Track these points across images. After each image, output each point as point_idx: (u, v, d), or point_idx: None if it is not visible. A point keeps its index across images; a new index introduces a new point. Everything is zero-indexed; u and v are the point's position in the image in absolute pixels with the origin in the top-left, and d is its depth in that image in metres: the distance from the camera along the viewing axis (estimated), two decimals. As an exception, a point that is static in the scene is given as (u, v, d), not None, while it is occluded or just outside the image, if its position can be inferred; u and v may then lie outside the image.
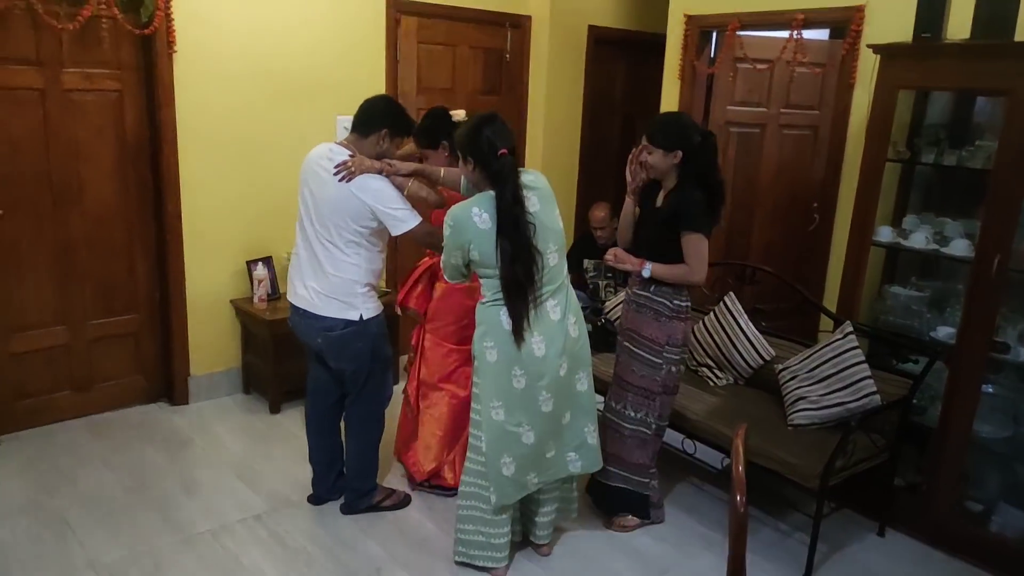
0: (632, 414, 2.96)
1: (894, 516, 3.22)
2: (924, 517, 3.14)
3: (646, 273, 2.81)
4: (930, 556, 3.07)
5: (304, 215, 2.85)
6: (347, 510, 3.12)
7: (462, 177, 2.73)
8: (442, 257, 2.65)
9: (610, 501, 3.12)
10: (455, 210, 2.53)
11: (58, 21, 3.29)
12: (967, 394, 2.98)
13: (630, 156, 2.90)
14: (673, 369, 2.93)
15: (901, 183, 3.51)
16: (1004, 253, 2.82)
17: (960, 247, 3.07)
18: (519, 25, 5.01)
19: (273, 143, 4.00)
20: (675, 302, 2.86)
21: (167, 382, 4.06)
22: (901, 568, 2.99)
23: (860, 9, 3.53)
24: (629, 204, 2.99)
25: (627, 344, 2.97)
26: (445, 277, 2.72)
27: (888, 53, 3.07)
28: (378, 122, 2.80)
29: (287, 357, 3.88)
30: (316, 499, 3.20)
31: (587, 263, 4.46)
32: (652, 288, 2.87)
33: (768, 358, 3.47)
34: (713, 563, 2.94)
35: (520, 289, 2.48)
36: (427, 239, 2.87)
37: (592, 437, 2.80)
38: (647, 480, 3.04)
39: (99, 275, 3.78)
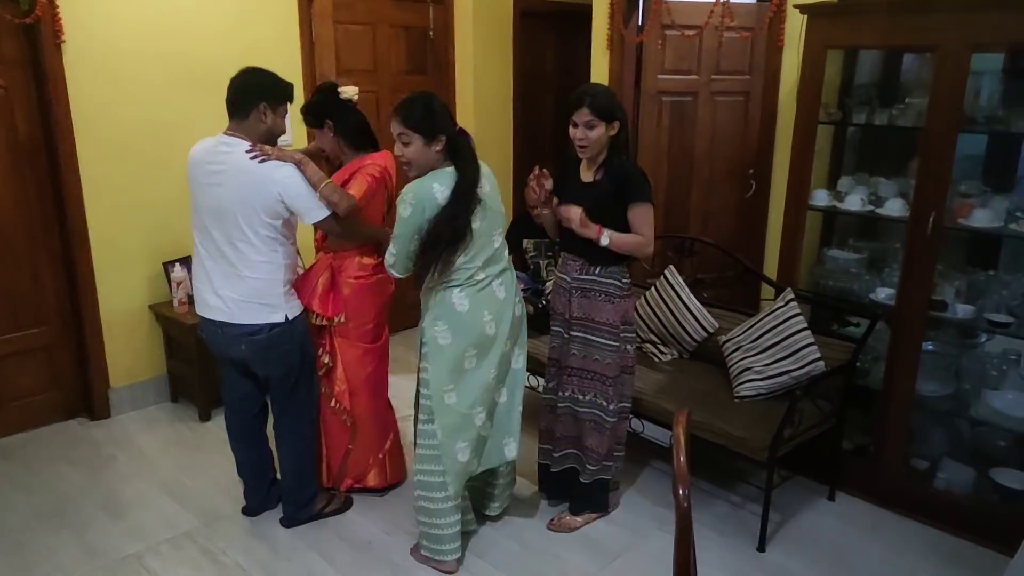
0: (582, 397, 2.84)
1: (844, 480, 3.20)
2: (873, 479, 3.13)
3: (604, 241, 2.62)
4: (881, 517, 3.06)
5: (203, 219, 2.60)
6: (288, 523, 2.93)
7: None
8: (392, 249, 2.51)
9: (578, 494, 2.98)
10: (415, 187, 2.43)
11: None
12: (909, 354, 2.97)
13: (530, 179, 2.71)
14: (630, 348, 2.85)
15: (835, 145, 3.46)
16: (939, 211, 2.79)
17: (895, 207, 3.03)
18: (441, 1, 4.81)
19: (182, 135, 3.65)
20: (623, 280, 2.77)
21: (85, 396, 3.81)
22: (853, 531, 2.97)
23: (785, -31, 3.45)
24: (548, 218, 2.80)
25: (580, 334, 2.80)
26: (395, 272, 2.56)
27: (814, 12, 3.00)
28: (253, 97, 2.56)
29: (215, 361, 3.65)
30: (250, 511, 3.02)
31: (527, 243, 4.34)
32: (597, 271, 2.74)
33: (712, 330, 3.41)
34: (665, 545, 2.87)
35: (435, 253, 2.45)
36: (345, 229, 2.69)
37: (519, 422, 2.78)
38: (610, 464, 2.92)
39: (1, 287, 3.49)
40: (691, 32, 3.97)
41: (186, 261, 3.84)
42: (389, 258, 2.54)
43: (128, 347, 3.82)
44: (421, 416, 2.62)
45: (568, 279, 2.82)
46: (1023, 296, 2.90)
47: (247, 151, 2.53)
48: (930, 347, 3.16)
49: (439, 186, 2.43)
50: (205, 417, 3.80)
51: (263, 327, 2.64)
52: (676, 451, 1.40)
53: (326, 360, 2.93)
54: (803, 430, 2.89)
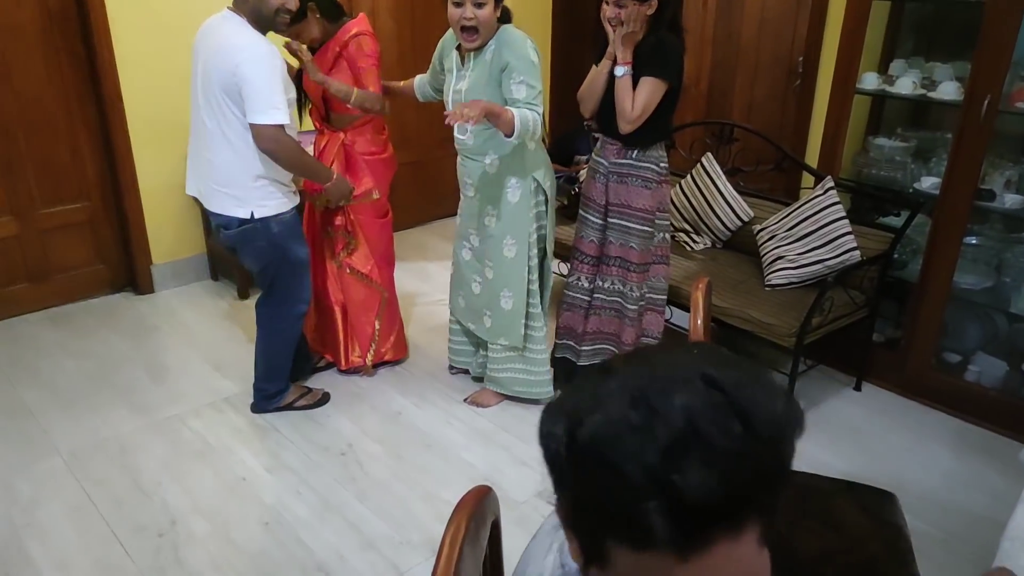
0: (620, 287, 2.78)
1: (872, 371, 3.19)
2: (901, 370, 3.12)
3: (620, 72, 2.49)
4: (907, 407, 3.07)
5: (192, 92, 2.51)
6: (255, 409, 2.95)
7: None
8: (538, 108, 2.48)
9: None
10: (530, 40, 2.54)
11: None
12: (949, 245, 2.89)
13: (605, 14, 2.50)
14: (667, 236, 2.79)
15: (889, 25, 3.27)
16: (995, 94, 2.64)
17: (949, 90, 2.88)
18: None
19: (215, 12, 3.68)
20: (661, 165, 2.66)
21: (130, 271, 3.93)
22: (877, 419, 2.99)
23: None
24: (605, 66, 2.58)
25: (617, 220, 2.71)
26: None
27: None
28: None
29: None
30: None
31: (580, 158, 4.18)
32: (635, 154, 2.64)
33: (747, 219, 3.35)
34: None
35: None
36: (283, 153, 2.43)
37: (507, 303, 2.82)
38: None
39: (42, 160, 3.56)
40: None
41: (221, 140, 3.86)
42: (538, 117, 2.48)
43: (169, 225, 3.90)
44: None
45: (606, 163, 2.72)
46: (1078, 187, 2.78)
47: (286, 45, 2.47)
48: (973, 240, 3.07)
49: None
50: (244, 295, 3.91)
51: (232, 220, 2.55)
52: (693, 313, 1.40)
53: (350, 247, 2.99)
54: (832, 319, 2.86)
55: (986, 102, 2.65)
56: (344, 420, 2.92)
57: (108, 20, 3.45)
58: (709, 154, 3.45)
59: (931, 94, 2.95)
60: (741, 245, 3.37)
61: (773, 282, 3.04)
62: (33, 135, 3.50)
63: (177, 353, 3.39)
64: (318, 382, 3.13)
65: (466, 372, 3.21)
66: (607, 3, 2.48)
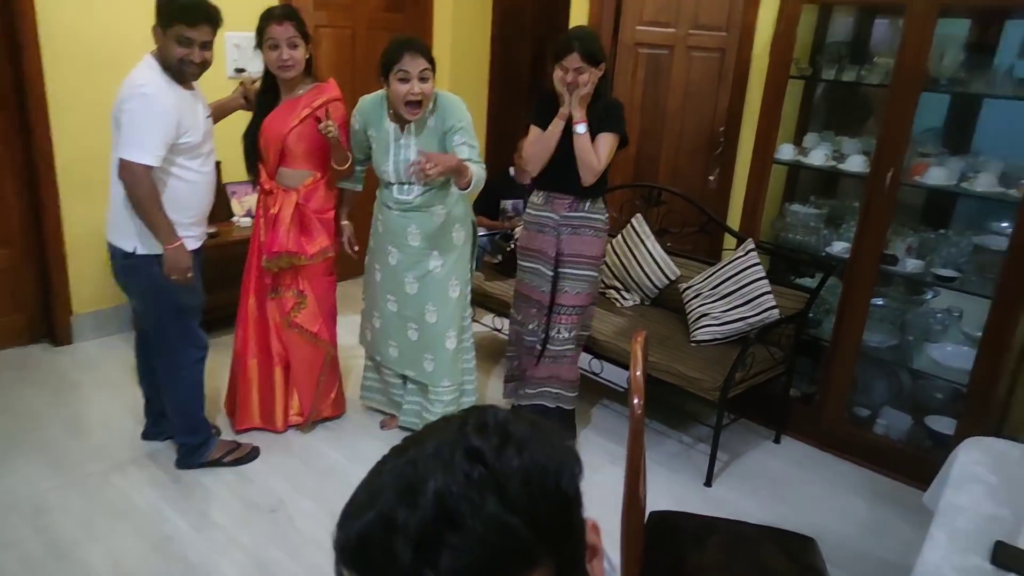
0: (568, 335, 2.94)
1: (790, 424, 3.36)
2: (816, 423, 3.29)
3: (582, 129, 2.69)
4: (823, 458, 3.23)
5: None
6: (180, 465, 2.86)
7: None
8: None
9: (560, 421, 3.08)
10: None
11: None
12: (858, 306, 3.10)
13: (562, 79, 2.66)
14: (600, 278, 3.05)
15: (803, 102, 3.54)
16: (897, 168, 2.90)
17: (856, 163, 3.13)
18: (422, -60, 4.74)
19: None
20: (605, 215, 2.92)
21: (48, 321, 3.79)
22: (794, 470, 3.14)
23: (765, -77, 3.47)
24: (559, 126, 2.73)
25: (572, 270, 2.89)
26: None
27: (792, -34, 3.04)
28: (156, 15, 2.40)
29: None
30: (144, 434, 3.03)
31: (505, 204, 4.31)
32: (587, 206, 2.85)
33: (673, 277, 3.50)
34: (616, 475, 2.98)
35: None
36: (138, 193, 2.40)
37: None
38: (575, 393, 3.04)
39: (-39, 205, 3.44)
40: (670, -17, 3.99)
41: (154, 188, 3.81)
42: (483, 172, 2.69)
43: (93, 273, 3.79)
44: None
45: (556, 217, 2.88)
46: (970, 253, 3.04)
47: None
48: (879, 302, 3.30)
49: None
50: (170, 345, 3.80)
51: (116, 251, 2.57)
52: (633, 365, 1.48)
53: (299, 306, 2.97)
54: (754, 374, 3.02)
55: (889, 175, 2.90)
56: (275, 476, 2.87)
57: (42, 62, 3.39)
58: (639, 215, 3.62)
59: (841, 166, 3.20)
60: (668, 302, 3.52)
61: (698, 338, 3.19)
62: (-47, 178, 3.39)
63: (98, 407, 3.27)
64: (251, 438, 3.07)
65: (379, 412, 3.27)
66: (563, 70, 2.65)
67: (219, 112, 2.91)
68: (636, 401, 1.43)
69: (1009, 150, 2.98)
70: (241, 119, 2.96)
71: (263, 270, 2.94)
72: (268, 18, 2.70)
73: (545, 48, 5.65)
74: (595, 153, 2.71)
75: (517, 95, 5.58)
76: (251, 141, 2.89)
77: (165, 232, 2.49)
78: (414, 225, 2.83)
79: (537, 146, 2.82)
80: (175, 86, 2.46)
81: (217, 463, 2.87)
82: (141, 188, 2.41)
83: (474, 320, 3.25)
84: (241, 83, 2.96)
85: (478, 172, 2.64)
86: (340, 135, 2.79)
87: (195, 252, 2.63)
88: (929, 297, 3.37)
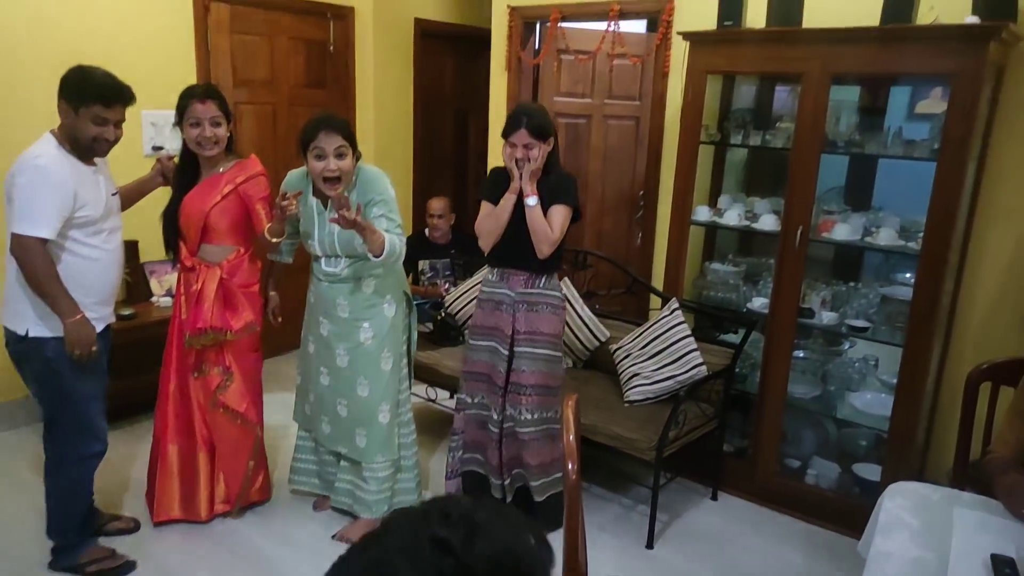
0: (531, 416, 2.82)
1: (725, 480, 3.39)
2: (751, 478, 3.34)
3: (533, 202, 2.68)
4: (759, 513, 3.26)
5: None
6: (53, 566, 2.63)
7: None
8: (401, 237, 2.69)
9: (541, 513, 2.91)
10: (387, 177, 2.77)
11: None
12: (781, 359, 3.19)
13: (511, 155, 2.69)
14: (568, 362, 2.94)
15: (715, 166, 3.71)
16: (805, 224, 3.04)
17: (768, 222, 3.28)
18: (342, 16, 4.84)
19: None
20: (560, 291, 2.87)
21: (-53, 415, 3.54)
22: (734, 527, 3.15)
23: (669, 0, 3.69)
24: (510, 200, 2.73)
25: (528, 348, 2.81)
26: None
27: (696, 40, 3.23)
28: (59, 91, 2.36)
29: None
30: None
31: (422, 264, 4.34)
32: (543, 282, 2.82)
33: (603, 339, 3.55)
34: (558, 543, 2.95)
35: None
36: (30, 268, 2.31)
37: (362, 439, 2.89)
38: (545, 479, 2.90)
39: None
40: (584, 57, 4.18)
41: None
42: (403, 244, 2.69)
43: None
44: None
45: (512, 293, 2.83)
46: (879, 304, 3.19)
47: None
48: (800, 354, 3.42)
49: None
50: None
51: (10, 334, 2.46)
52: (566, 430, 1.48)
53: (225, 385, 2.86)
54: (687, 431, 3.05)
55: (799, 232, 3.04)
56: (203, 570, 2.70)
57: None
58: (566, 279, 3.67)
59: (754, 225, 3.34)
60: (600, 364, 3.56)
61: (631, 398, 3.22)
62: None
63: (6, 506, 3.04)
64: (172, 531, 2.89)
65: (309, 494, 3.15)
66: (513, 146, 2.69)
67: (138, 191, 2.85)
68: (570, 466, 1.42)
69: (905, 205, 3.18)
70: (158, 197, 2.91)
71: (185, 349, 2.83)
72: (190, 96, 2.69)
73: (468, 119, 5.79)
74: (548, 224, 2.70)
75: (441, 165, 5.67)
76: (170, 219, 2.84)
77: (65, 305, 2.37)
78: (342, 297, 2.79)
79: (488, 221, 2.81)
80: (73, 160, 2.40)
81: (78, 570, 2.62)
82: (35, 261, 2.30)
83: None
84: (158, 160, 2.90)
85: (395, 242, 2.63)
86: (266, 211, 2.78)
87: (101, 335, 2.50)
88: (846, 347, 3.51)
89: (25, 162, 2.33)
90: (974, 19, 2.69)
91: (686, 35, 3.26)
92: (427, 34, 5.31)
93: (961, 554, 1.55)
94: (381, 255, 2.59)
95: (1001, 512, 1.73)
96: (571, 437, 1.47)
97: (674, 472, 3.27)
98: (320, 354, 2.89)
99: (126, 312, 3.69)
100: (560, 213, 2.72)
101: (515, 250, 2.79)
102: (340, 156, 2.60)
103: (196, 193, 2.78)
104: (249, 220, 2.80)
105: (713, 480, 3.38)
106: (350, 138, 2.64)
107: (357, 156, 2.73)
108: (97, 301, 2.51)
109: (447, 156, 5.74)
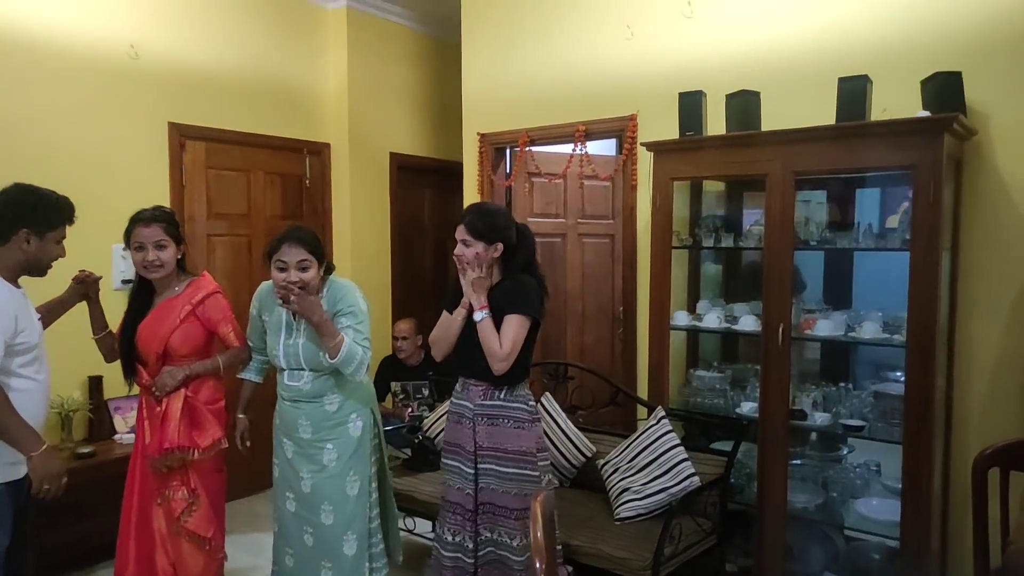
0: (513, 542, 2.54)
1: (731, 604, 3.11)
2: (759, 601, 3.07)
3: (478, 316, 2.50)
4: (771, 641, 2.96)
5: None
6: None
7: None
8: (367, 348, 2.63)
9: None
10: (358, 289, 2.74)
11: None
12: (777, 465, 3.03)
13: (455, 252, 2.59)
14: (552, 477, 2.69)
15: (691, 275, 3.69)
16: (786, 321, 2.97)
17: (749, 323, 3.22)
18: (318, 152, 4.98)
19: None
20: (530, 403, 2.61)
21: None
22: (745, 659, 2.85)
23: (632, 118, 3.82)
24: (460, 313, 2.61)
25: (492, 466, 2.56)
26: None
27: (659, 149, 3.31)
28: (13, 221, 2.28)
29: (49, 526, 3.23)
30: None
31: (395, 386, 4.24)
32: (503, 394, 2.58)
33: (590, 454, 3.37)
34: None
35: None
36: None
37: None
38: None
39: None
40: (555, 179, 4.27)
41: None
42: (365, 355, 2.61)
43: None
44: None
45: (471, 406, 2.61)
46: (872, 403, 3.07)
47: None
48: (798, 461, 3.25)
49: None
50: None
51: None
52: (533, 527, 1.33)
53: (191, 508, 2.68)
54: (684, 547, 2.83)
55: (780, 329, 2.97)
56: None
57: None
58: (547, 393, 3.54)
59: (734, 327, 3.27)
60: (588, 482, 3.35)
61: (622, 515, 3.00)
62: None
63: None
64: None
65: None
66: (454, 242, 2.59)
67: (57, 309, 2.69)
68: (539, 566, 1.25)
69: (885, 302, 3.11)
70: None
71: (150, 473, 2.67)
72: (135, 221, 2.68)
73: (446, 248, 5.83)
74: (499, 339, 2.50)
75: (421, 293, 5.65)
76: (127, 345, 2.74)
77: (28, 438, 2.21)
78: (304, 416, 2.66)
79: (437, 331, 2.70)
80: (8, 285, 2.30)
81: None
82: None
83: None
84: (84, 276, 2.71)
85: (354, 349, 2.56)
86: (235, 331, 2.75)
87: (22, 482, 2.27)
88: (845, 452, 3.35)
89: None
90: (925, 113, 2.77)
91: (649, 145, 3.34)
92: (403, 167, 5.45)
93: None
94: (336, 357, 2.51)
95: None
96: (539, 534, 1.31)
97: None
98: (285, 478, 2.72)
99: (85, 450, 3.50)
100: (512, 324, 2.50)
101: (469, 360, 2.59)
102: (303, 269, 2.56)
103: (154, 318, 2.71)
104: (210, 339, 2.73)
105: (718, 605, 3.11)
106: (316, 251, 2.60)
107: (328, 269, 2.70)
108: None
109: (426, 285, 5.73)
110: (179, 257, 2.73)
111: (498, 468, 2.56)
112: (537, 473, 2.57)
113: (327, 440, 2.64)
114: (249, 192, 4.59)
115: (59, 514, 3.10)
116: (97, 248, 3.68)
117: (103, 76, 3.86)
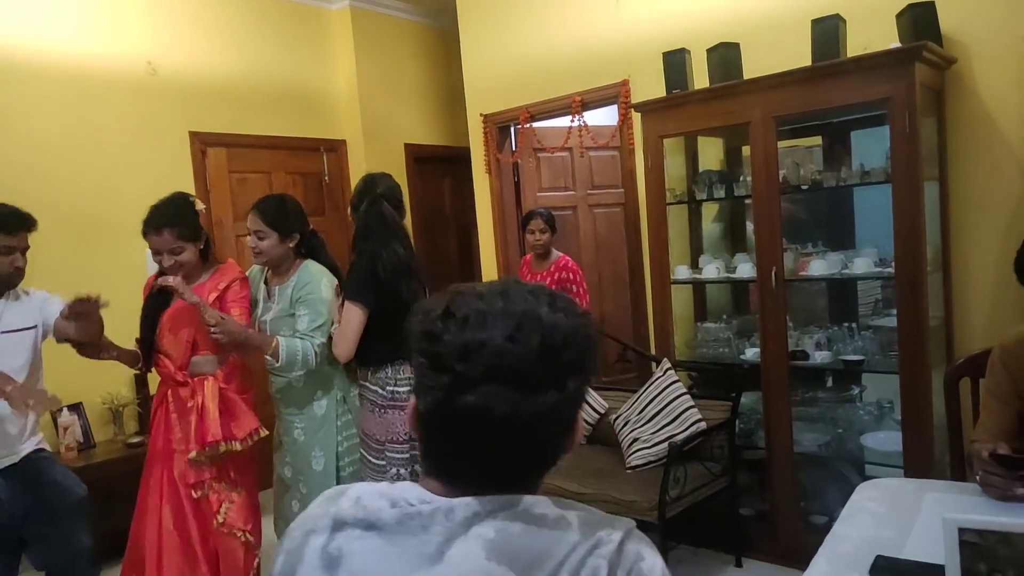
0: None
1: (748, 546, 3.19)
2: (775, 540, 3.13)
3: (270, 361, 2.62)
4: (787, 576, 3.04)
5: None
6: None
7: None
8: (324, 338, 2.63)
9: None
10: (326, 275, 2.74)
11: None
12: (781, 405, 3.09)
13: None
14: (402, 471, 2.54)
15: (693, 230, 3.75)
16: (778, 265, 3.03)
17: (745, 270, 3.28)
18: (334, 149, 5.18)
19: (72, 286, 3.72)
20: (387, 388, 2.57)
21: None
22: (761, 594, 2.93)
23: (625, 83, 3.90)
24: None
25: (363, 452, 2.68)
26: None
27: (646, 109, 3.38)
28: None
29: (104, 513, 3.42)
30: None
31: None
32: (368, 374, 2.61)
33: (602, 411, 3.48)
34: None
35: None
36: None
37: None
38: None
39: None
40: (558, 150, 4.37)
41: (78, 407, 3.78)
42: (310, 347, 2.59)
43: None
44: None
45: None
46: (870, 337, 3.10)
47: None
48: (811, 408, 3.30)
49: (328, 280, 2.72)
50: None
51: None
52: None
53: (229, 501, 2.69)
54: (692, 489, 2.92)
55: (773, 272, 3.03)
56: None
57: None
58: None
59: (733, 276, 3.34)
60: (603, 438, 3.46)
61: (633, 463, 3.11)
62: None
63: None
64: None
65: None
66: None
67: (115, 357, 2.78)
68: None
69: (884, 236, 3.13)
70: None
71: (174, 476, 2.63)
72: (146, 228, 2.64)
73: (470, 233, 5.99)
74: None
75: (449, 280, 5.72)
76: (148, 337, 2.76)
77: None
78: (278, 391, 2.79)
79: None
80: None
81: None
82: None
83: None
84: (87, 301, 2.51)
85: (295, 348, 2.57)
86: (241, 313, 2.75)
87: None
88: (855, 391, 3.38)
89: None
90: (896, 44, 2.79)
91: (637, 106, 3.43)
92: (419, 158, 5.61)
93: (923, 530, 1.43)
94: (280, 361, 2.56)
95: (974, 491, 1.61)
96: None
97: (693, 542, 3.09)
98: (283, 442, 2.86)
99: (135, 440, 3.76)
100: (345, 311, 2.55)
101: None
102: (260, 238, 2.66)
103: (179, 308, 2.69)
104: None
105: (736, 547, 3.18)
106: (277, 223, 2.66)
107: (300, 249, 2.76)
108: None
109: (452, 269, 5.89)
110: (201, 248, 2.69)
111: (365, 455, 2.66)
112: (383, 463, 2.58)
113: (295, 416, 2.74)
114: (271, 192, 4.80)
115: (115, 501, 3.34)
116: (129, 258, 3.83)
117: (125, 94, 4.13)
